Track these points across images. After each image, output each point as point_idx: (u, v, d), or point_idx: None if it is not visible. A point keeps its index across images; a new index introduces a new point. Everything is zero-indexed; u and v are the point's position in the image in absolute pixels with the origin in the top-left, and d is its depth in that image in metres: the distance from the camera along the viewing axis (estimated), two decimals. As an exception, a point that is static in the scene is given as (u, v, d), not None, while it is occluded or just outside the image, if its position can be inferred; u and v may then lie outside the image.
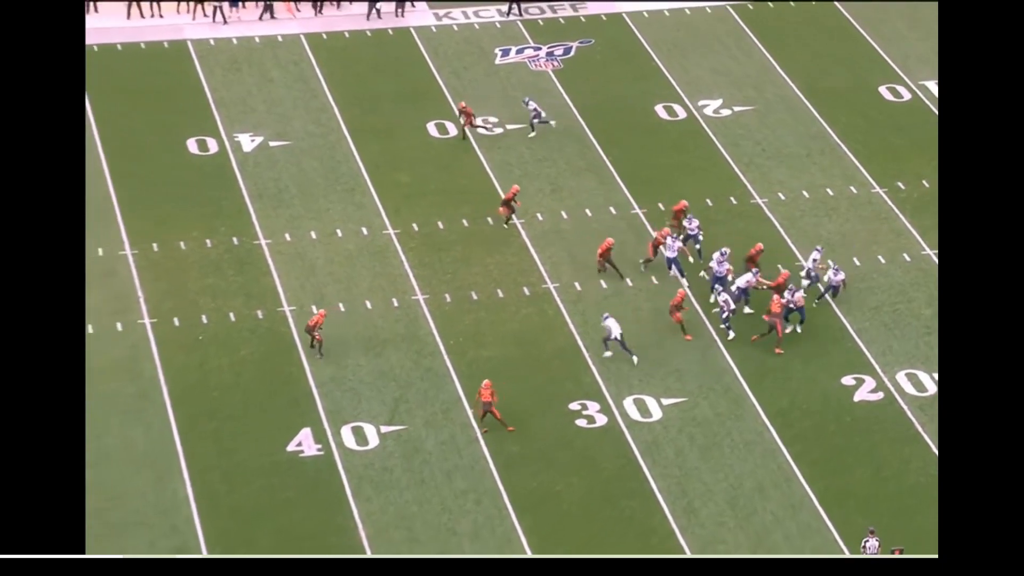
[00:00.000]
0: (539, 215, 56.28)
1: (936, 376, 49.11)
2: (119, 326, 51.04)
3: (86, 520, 40.27)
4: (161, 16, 66.28)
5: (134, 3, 66.28)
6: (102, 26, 65.03)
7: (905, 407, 48.44)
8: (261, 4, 66.29)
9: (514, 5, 66.41)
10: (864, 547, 42.72)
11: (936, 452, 46.61)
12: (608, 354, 49.74)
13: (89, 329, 50.59)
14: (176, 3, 66.66)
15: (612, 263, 52.81)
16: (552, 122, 59.39)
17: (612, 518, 44.96)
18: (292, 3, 66.20)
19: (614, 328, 49.38)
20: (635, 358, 49.46)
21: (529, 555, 42.89)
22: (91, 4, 66.40)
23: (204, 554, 43.12)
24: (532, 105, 59.19)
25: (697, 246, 53.46)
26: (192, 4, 66.41)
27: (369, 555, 43.30)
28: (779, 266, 53.40)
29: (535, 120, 58.97)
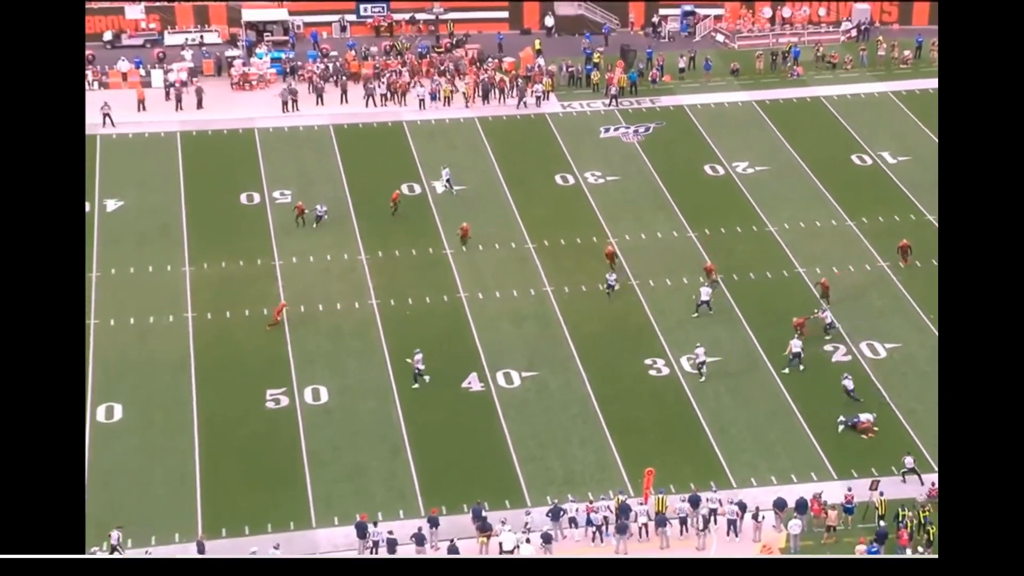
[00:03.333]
0: (627, 236, 55.97)
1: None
2: (356, 304, 51.16)
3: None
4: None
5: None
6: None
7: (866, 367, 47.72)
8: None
9: (613, 99, 66.09)
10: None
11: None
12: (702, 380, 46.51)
13: (337, 306, 50.95)
14: (396, 99, 66.41)
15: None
16: (455, 190, 56.22)
17: (670, 437, 44.75)
18: (472, 100, 66.13)
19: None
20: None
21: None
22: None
23: (408, 454, 43.33)
24: (446, 173, 56.56)
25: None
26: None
27: (514, 460, 43.20)
28: (768, 274, 52.59)
29: (447, 182, 56.43)
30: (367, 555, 38.57)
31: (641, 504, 40.64)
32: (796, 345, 47.18)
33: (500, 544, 39.08)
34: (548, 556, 38.66)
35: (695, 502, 40.54)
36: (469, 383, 47.02)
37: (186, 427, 44.91)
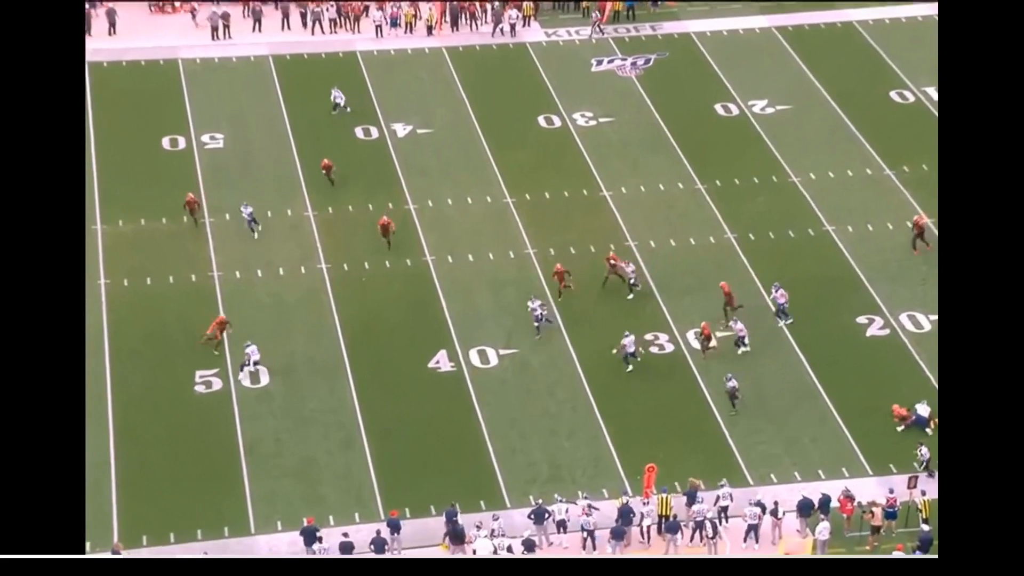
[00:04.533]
0: (623, 188, 55.83)
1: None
2: (302, 269, 51.35)
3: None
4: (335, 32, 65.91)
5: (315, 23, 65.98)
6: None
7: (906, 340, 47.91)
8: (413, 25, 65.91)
9: (598, 27, 65.79)
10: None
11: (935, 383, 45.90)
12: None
13: (280, 271, 51.06)
14: (348, 25, 66.15)
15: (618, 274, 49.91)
16: (257, 231, 52.63)
17: (671, 418, 44.81)
18: (439, 27, 65.89)
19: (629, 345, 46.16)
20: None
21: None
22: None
23: (365, 446, 43.47)
24: (248, 210, 52.72)
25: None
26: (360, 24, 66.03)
27: (490, 453, 43.36)
28: (790, 232, 52.57)
29: (250, 222, 52.55)
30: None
31: (644, 503, 40.65)
32: (630, 344, 46.27)
33: (474, 552, 39.04)
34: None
35: (691, 498, 40.54)
36: (437, 362, 46.95)
37: (99, 415, 44.74)
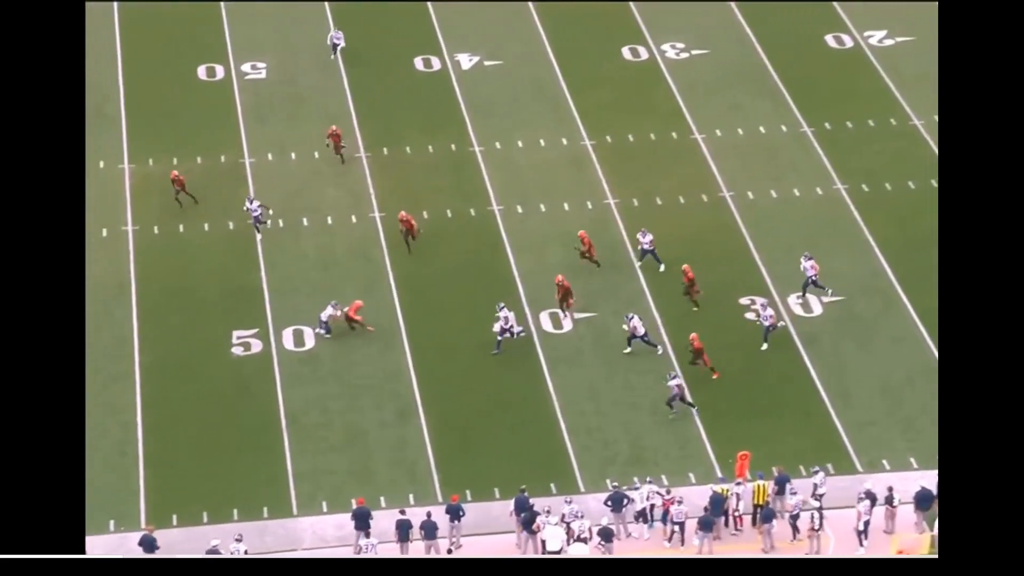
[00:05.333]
0: (718, 131, 55.13)
1: None
2: (353, 218, 51.04)
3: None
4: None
5: None
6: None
7: None
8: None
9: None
10: None
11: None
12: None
13: (328, 220, 50.84)
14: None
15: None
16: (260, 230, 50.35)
17: (773, 403, 44.25)
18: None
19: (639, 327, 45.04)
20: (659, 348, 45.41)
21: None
22: None
23: (421, 418, 43.22)
24: (254, 206, 50.27)
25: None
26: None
27: (562, 430, 42.97)
28: (911, 184, 51.66)
29: (256, 221, 50.03)
30: (368, 554, 38.17)
31: (737, 483, 40.10)
32: (637, 326, 45.10)
33: (543, 542, 38.56)
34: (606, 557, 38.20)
35: (781, 487, 39.95)
36: (505, 327, 46.48)
37: (124, 379, 44.67)
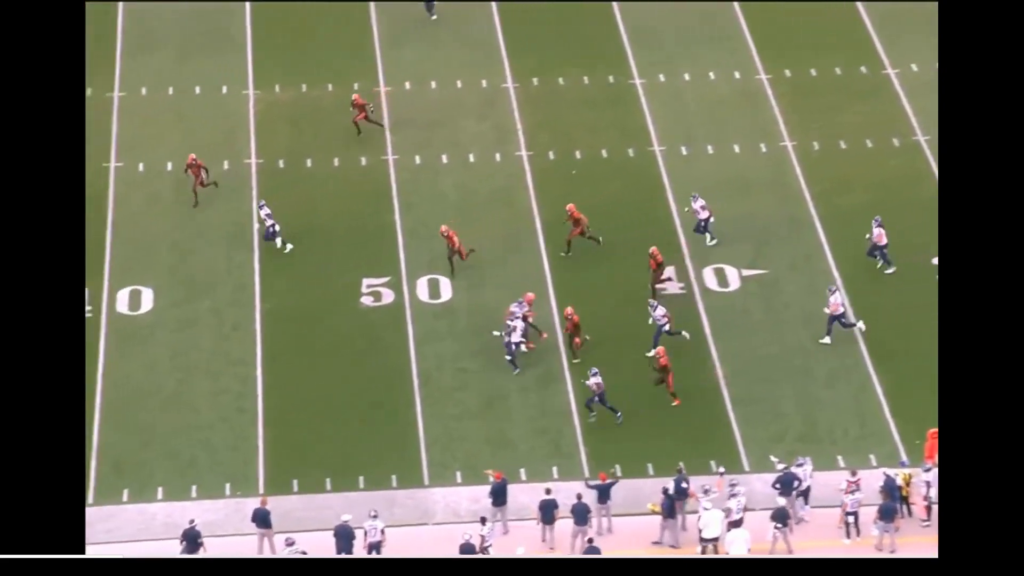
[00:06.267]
0: (913, 66, 54.27)
1: None
2: (497, 157, 51.19)
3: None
4: None
5: None
6: None
7: None
8: None
9: None
10: None
11: None
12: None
13: (470, 158, 51.01)
14: None
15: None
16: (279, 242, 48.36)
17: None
18: None
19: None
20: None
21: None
22: None
23: (567, 383, 43.35)
24: (265, 212, 48.04)
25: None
26: None
27: (724, 399, 43.02)
28: None
29: (270, 232, 47.79)
30: (495, 538, 38.39)
31: (927, 470, 39.58)
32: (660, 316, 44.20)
33: (700, 531, 38.52)
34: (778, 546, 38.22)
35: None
36: (665, 281, 46.36)
37: (244, 328, 45.48)
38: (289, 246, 47.61)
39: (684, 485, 39.22)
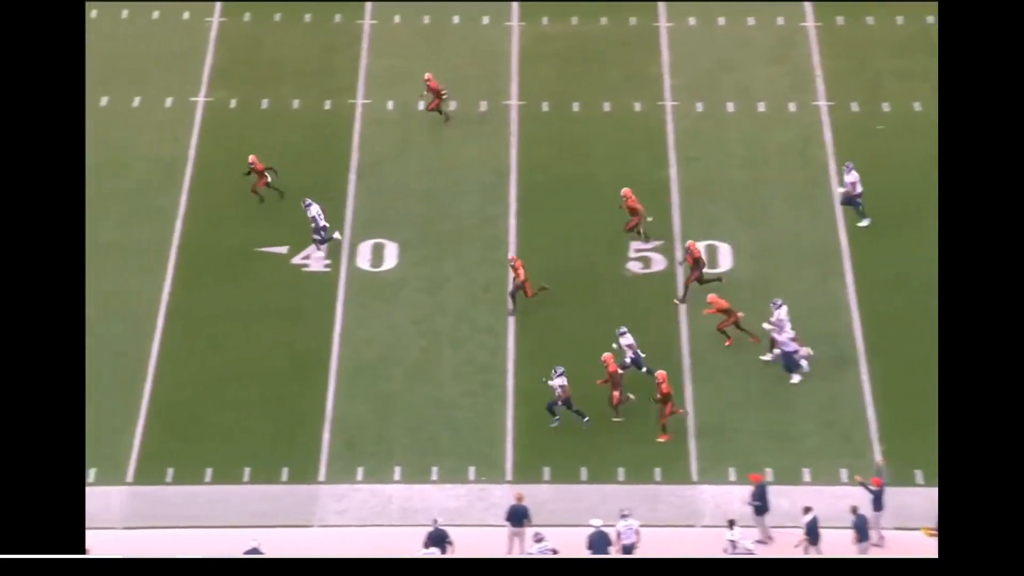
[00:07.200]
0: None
1: None
2: (792, 107, 51.06)
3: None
4: None
5: None
6: None
7: None
8: None
9: None
10: None
11: None
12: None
13: (760, 107, 51.12)
14: None
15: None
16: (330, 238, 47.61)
17: None
18: None
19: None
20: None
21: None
22: None
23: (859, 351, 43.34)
24: (314, 212, 47.00)
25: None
26: None
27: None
28: None
29: (316, 235, 46.91)
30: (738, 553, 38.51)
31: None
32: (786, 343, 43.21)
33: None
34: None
35: None
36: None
37: (495, 290, 45.78)
38: (336, 234, 47.17)
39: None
